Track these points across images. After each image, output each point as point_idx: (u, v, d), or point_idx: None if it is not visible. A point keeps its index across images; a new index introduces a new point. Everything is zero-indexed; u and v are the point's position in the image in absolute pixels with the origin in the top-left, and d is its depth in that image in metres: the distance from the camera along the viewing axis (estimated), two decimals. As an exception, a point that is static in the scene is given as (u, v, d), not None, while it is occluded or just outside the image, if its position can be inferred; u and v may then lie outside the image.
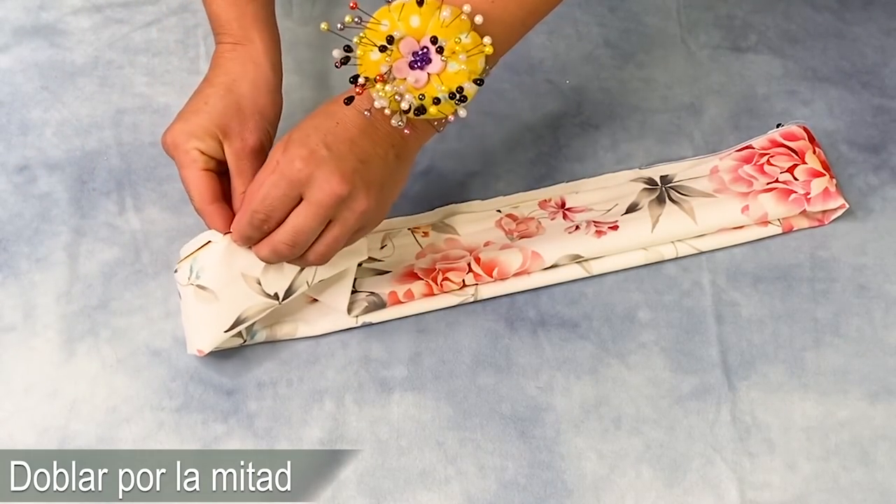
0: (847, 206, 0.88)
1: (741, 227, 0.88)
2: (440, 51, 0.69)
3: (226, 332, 0.79)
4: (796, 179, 0.88)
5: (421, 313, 0.85)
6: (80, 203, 0.90)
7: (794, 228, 0.89)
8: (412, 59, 0.70)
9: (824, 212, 0.88)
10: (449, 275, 0.84)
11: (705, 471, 0.79)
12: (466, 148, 0.94)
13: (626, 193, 0.90)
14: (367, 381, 0.82)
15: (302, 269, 0.79)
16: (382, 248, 0.87)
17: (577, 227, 0.87)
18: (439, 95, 0.70)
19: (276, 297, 0.79)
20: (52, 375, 0.82)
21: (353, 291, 0.83)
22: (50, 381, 0.82)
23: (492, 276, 0.85)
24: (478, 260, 0.85)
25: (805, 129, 0.92)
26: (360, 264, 0.83)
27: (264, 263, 0.78)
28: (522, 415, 0.81)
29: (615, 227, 0.86)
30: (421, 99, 0.70)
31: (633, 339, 0.84)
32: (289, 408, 0.81)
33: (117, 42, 1.00)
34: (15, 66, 0.98)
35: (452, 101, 0.70)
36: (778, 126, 0.93)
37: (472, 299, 0.85)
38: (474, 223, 0.89)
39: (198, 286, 0.78)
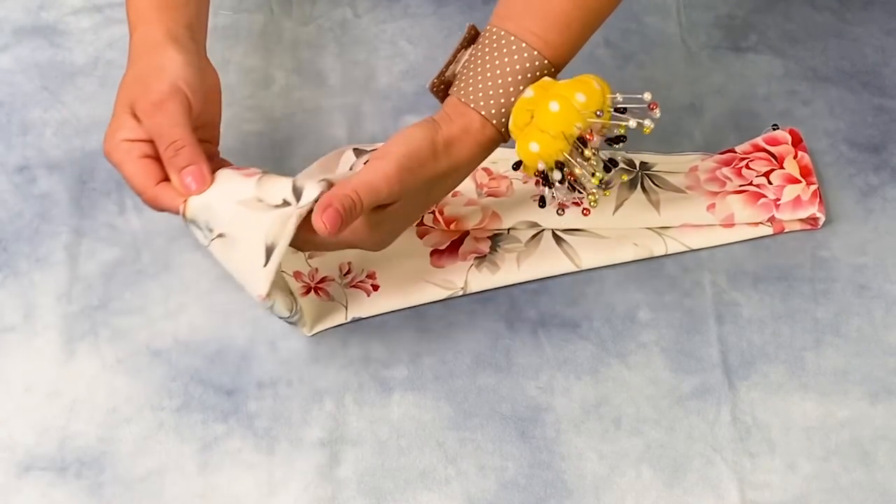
0: (821, 217, 0.88)
1: (732, 224, 0.88)
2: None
3: (265, 266, 0.72)
4: (770, 184, 0.89)
5: (415, 307, 0.84)
6: (80, 203, 0.90)
7: (787, 230, 0.89)
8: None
9: (814, 217, 0.88)
10: None
11: (705, 471, 0.79)
12: (466, 148, 0.94)
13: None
14: (367, 381, 0.82)
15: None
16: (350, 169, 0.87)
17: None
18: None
19: (286, 203, 0.72)
20: (52, 375, 0.82)
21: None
22: (50, 381, 0.82)
23: (448, 228, 0.87)
24: (441, 212, 0.87)
25: (793, 133, 0.92)
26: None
27: (255, 183, 0.73)
28: (522, 415, 0.81)
29: (578, 204, 0.85)
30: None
31: (634, 339, 0.84)
32: (289, 408, 0.81)
33: (117, 42, 1.00)
34: (15, 66, 0.98)
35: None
36: (774, 127, 0.93)
37: (461, 293, 0.85)
38: None
39: (218, 237, 0.73)
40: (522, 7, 0.75)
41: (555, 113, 0.72)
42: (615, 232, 0.87)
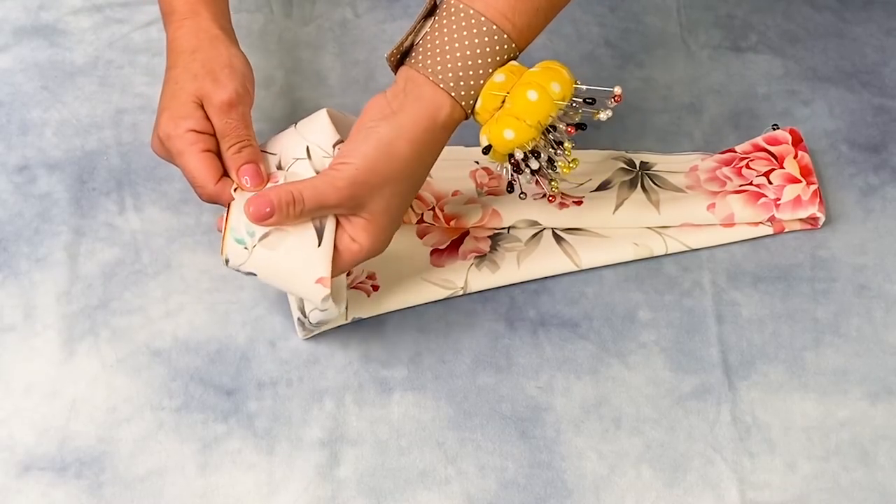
0: (821, 217, 0.88)
1: (732, 224, 0.88)
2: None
3: (319, 247, 0.73)
4: (770, 184, 0.89)
5: (415, 307, 0.84)
6: (80, 203, 0.90)
7: (787, 230, 0.89)
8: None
9: (815, 217, 0.88)
10: (413, 202, 0.85)
11: (705, 471, 0.79)
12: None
13: (603, 170, 0.90)
14: (367, 381, 0.82)
15: (309, 159, 0.76)
16: None
17: (544, 195, 0.87)
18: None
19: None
20: (52, 375, 0.82)
21: None
22: (50, 381, 0.82)
23: (448, 224, 0.87)
24: (441, 209, 0.87)
25: (793, 133, 0.92)
26: None
27: (279, 182, 0.75)
28: (522, 415, 0.81)
29: (579, 203, 0.87)
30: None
31: (634, 339, 0.84)
32: (289, 408, 0.81)
33: (117, 42, 1.00)
34: (15, 66, 0.98)
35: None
36: (774, 127, 0.93)
37: (461, 292, 0.85)
38: (450, 170, 0.89)
39: (261, 240, 0.73)
40: None
41: (533, 102, 0.72)
42: (615, 231, 0.87)
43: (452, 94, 0.73)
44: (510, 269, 0.86)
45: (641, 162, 0.91)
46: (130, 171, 0.92)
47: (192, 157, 0.75)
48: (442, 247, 0.87)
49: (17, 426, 0.80)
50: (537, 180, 0.76)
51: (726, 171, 0.90)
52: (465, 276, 0.85)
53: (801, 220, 0.88)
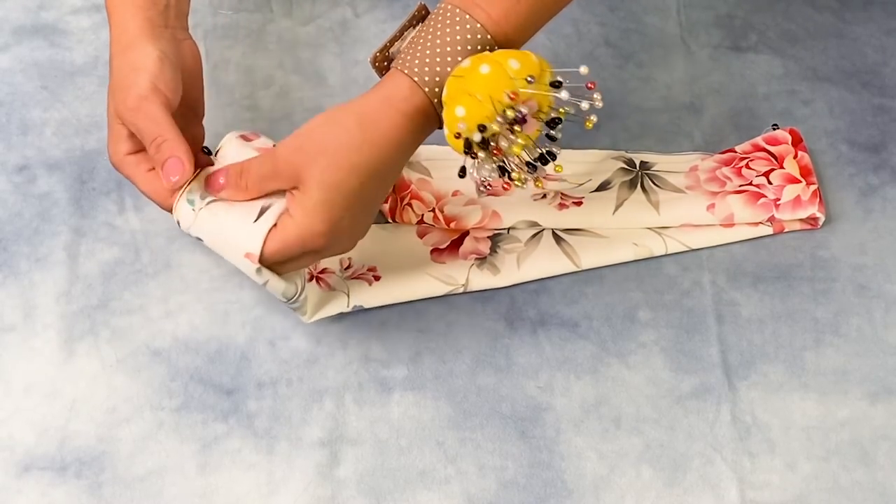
0: (821, 217, 0.88)
1: (732, 224, 0.88)
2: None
3: (255, 222, 0.72)
4: (770, 184, 0.89)
5: (415, 305, 0.84)
6: (80, 203, 0.90)
7: (787, 230, 0.89)
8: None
9: (813, 217, 0.88)
10: (413, 202, 0.86)
11: (705, 470, 0.79)
12: (466, 148, 0.94)
13: (603, 170, 0.90)
14: (367, 381, 0.82)
15: None
16: None
17: (545, 196, 0.88)
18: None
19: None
20: (52, 375, 0.82)
21: None
22: (50, 381, 0.82)
23: (448, 226, 0.87)
24: (441, 210, 0.87)
25: (793, 133, 0.92)
26: None
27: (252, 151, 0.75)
28: (522, 414, 0.81)
29: (579, 203, 0.87)
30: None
31: (633, 339, 0.84)
32: (289, 408, 0.81)
33: (117, 42, 1.00)
34: (15, 66, 0.98)
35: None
36: (774, 127, 0.93)
37: (461, 289, 0.85)
38: (450, 169, 0.87)
39: (207, 205, 0.74)
40: None
41: (484, 75, 0.68)
42: (615, 231, 0.87)
43: (415, 78, 0.71)
44: (510, 271, 0.86)
45: (641, 162, 0.91)
46: (130, 170, 0.92)
47: (140, 180, 0.75)
48: (442, 246, 0.87)
49: (17, 426, 0.80)
50: (501, 169, 0.72)
51: (726, 171, 0.90)
52: (466, 274, 0.85)
53: (800, 220, 0.88)
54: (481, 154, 0.70)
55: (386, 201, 0.87)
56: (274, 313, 0.85)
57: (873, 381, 0.82)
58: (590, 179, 0.90)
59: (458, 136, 0.70)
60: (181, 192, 0.74)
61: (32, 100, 0.96)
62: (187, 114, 0.78)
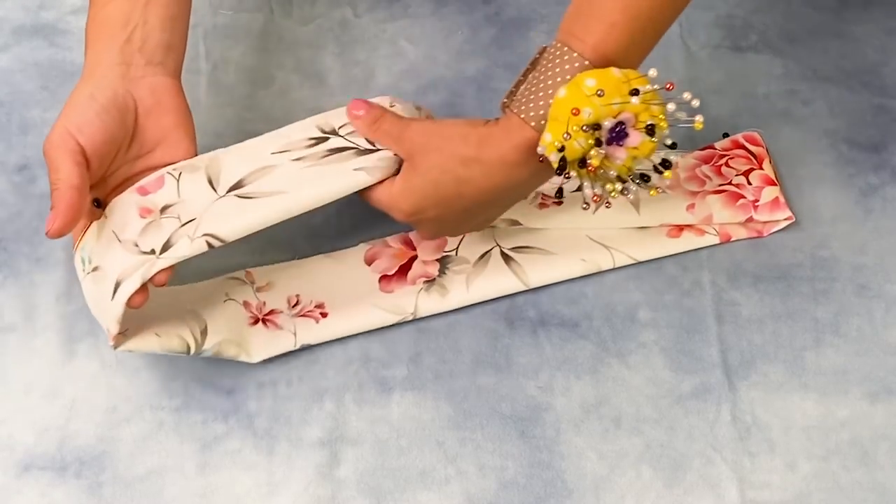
0: (794, 218, 0.88)
1: (680, 231, 0.87)
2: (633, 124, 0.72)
3: (112, 300, 0.74)
4: (750, 184, 0.89)
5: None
6: (80, 203, 0.90)
7: (733, 238, 0.88)
8: (609, 136, 0.72)
9: (765, 222, 0.88)
10: None
11: (705, 470, 0.79)
12: (466, 148, 0.94)
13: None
14: (367, 381, 0.82)
15: (184, 224, 0.76)
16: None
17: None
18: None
19: (152, 252, 0.75)
20: (52, 375, 0.82)
21: (374, 150, 0.79)
22: (50, 381, 0.82)
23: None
24: None
25: (754, 139, 0.92)
26: None
27: (140, 225, 0.76)
28: (522, 415, 0.81)
29: (559, 203, 0.87)
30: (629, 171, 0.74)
31: (633, 339, 0.84)
32: (289, 408, 0.81)
33: (117, 42, 1.00)
34: (14, 66, 0.98)
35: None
36: (724, 136, 0.92)
37: (411, 317, 0.84)
38: None
39: (93, 270, 0.76)
40: (573, 15, 0.74)
41: (560, 98, 0.71)
42: (563, 246, 0.86)
43: (522, 115, 0.73)
44: (459, 292, 0.85)
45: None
46: (130, 170, 0.92)
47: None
48: (390, 272, 0.86)
49: (17, 426, 0.80)
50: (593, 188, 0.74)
51: (706, 169, 0.90)
52: (414, 301, 0.84)
53: (747, 228, 0.88)
54: (573, 173, 0.72)
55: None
56: (274, 313, 0.85)
57: (873, 381, 0.82)
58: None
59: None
60: (76, 243, 0.78)
61: (32, 100, 0.96)
62: (153, 153, 0.79)
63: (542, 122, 0.72)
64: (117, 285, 0.74)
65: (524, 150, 0.73)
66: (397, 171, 0.78)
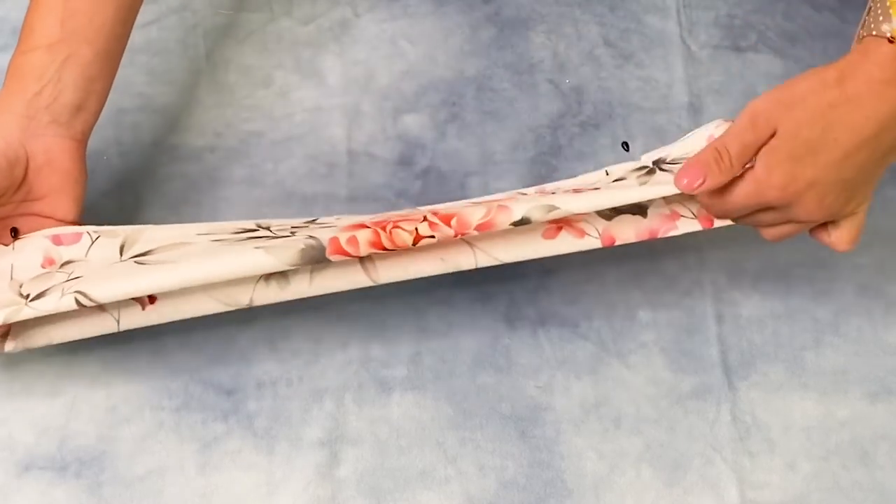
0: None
1: (557, 232, 0.77)
2: None
3: None
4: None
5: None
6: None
7: (616, 243, 0.78)
8: None
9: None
10: (402, 223, 0.74)
11: (705, 470, 0.79)
12: (466, 148, 0.94)
13: (614, 174, 0.82)
14: (367, 381, 0.82)
15: (68, 280, 0.75)
16: (337, 218, 0.81)
17: (553, 193, 0.78)
18: None
19: (27, 297, 0.74)
20: (52, 375, 0.82)
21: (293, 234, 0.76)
22: (49, 380, 0.82)
23: (450, 226, 0.75)
24: (435, 212, 0.76)
25: None
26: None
27: (37, 272, 0.76)
28: (522, 414, 0.81)
29: (597, 189, 0.78)
30: None
31: (633, 339, 0.84)
32: (289, 407, 0.81)
33: (117, 42, 1.00)
34: (15, 66, 0.98)
35: None
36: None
37: (246, 307, 0.78)
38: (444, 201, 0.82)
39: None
40: None
41: None
42: (424, 246, 0.76)
43: (874, 32, 0.66)
44: (301, 285, 0.78)
45: (655, 160, 0.84)
46: (130, 170, 0.92)
47: None
48: None
49: (17, 425, 0.80)
50: None
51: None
52: (251, 294, 0.78)
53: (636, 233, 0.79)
54: None
55: (336, 243, 0.74)
56: (274, 313, 0.85)
57: (873, 381, 0.82)
58: (599, 181, 0.82)
59: None
60: None
61: (32, 100, 0.96)
62: (35, 204, 0.79)
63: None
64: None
65: (889, 64, 0.66)
66: (306, 256, 0.72)
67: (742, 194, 0.70)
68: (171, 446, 0.79)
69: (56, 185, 0.79)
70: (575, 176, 0.92)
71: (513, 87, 0.98)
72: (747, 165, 0.70)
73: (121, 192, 0.91)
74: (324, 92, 0.97)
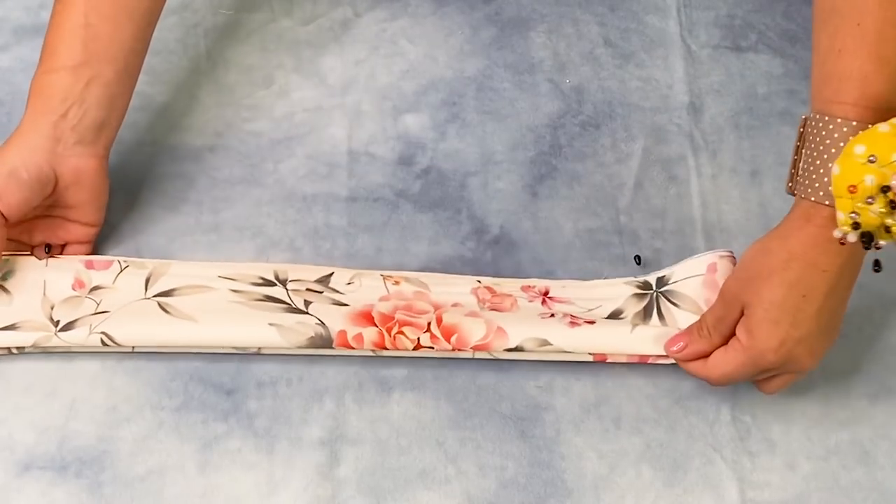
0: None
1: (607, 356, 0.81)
2: None
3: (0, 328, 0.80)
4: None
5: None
6: (80, 202, 0.90)
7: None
8: None
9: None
10: (405, 329, 0.81)
11: (705, 470, 0.79)
12: (466, 148, 0.94)
13: (614, 296, 0.84)
14: (367, 381, 0.82)
15: (96, 312, 0.81)
16: (349, 284, 0.85)
17: (553, 315, 0.82)
18: None
19: (56, 323, 0.80)
20: (52, 375, 0.82)
21: (302, 312, 0.81)
22: (49, 380, 0.82)
23: (449, 342, 0.80)
24: (439, 321, 0.81)
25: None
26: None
27: (67, 293, 0.82)
28: (522, 414, 0.81)
29: (591, 323, 0.81)
30: None
31: (633, 339, 0.84)
32: (289, 407, 0.81)
33: (117, 41, 1.00)
34: (15, 66, 0.98)
35: None
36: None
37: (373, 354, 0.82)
38: (450, 286, 0.85)
39: (0, 286, 0.82)
40: (820, 80, 0.72)
41: (836, 175, 0.67)
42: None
43: (812, 198, 0.71)
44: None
45: (657, 279, 0.85)
46: (130, 170, 0.92)
47: None
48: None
49: (17, 425, 0.80)
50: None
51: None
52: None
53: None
54: (882, 242, 0.69)
55: (343, 337, 0.80)
56: (274, 313, 0.85)
57: (873, 380, 0.82)
58: (600, 306, 0.83)
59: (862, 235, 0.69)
60: None
61: (32, 99, 0.96)
62: (66, 210, 0.84)
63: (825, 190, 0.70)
64: (13, 326, 0.80)
65: (829, 229, 0.70)
66: (314, 343, 0.80)
67: (734, 364, 0.75)
68: (171, 446, 0.79)
69: (84, 199, 0.83)
70: (574, 176, 0.92)
71: (513, 87, 0.98)
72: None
73: (121, 192, 0.91)
74: (324, 92, 0.97)
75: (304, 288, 0.84)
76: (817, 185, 0.71)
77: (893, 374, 0.83)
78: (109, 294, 0.83)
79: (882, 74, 0.70)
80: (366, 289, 0.84)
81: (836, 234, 0.68)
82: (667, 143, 0.95)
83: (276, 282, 0.84)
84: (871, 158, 0.65)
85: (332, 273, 0.85)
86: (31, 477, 0.78)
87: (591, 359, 0.81)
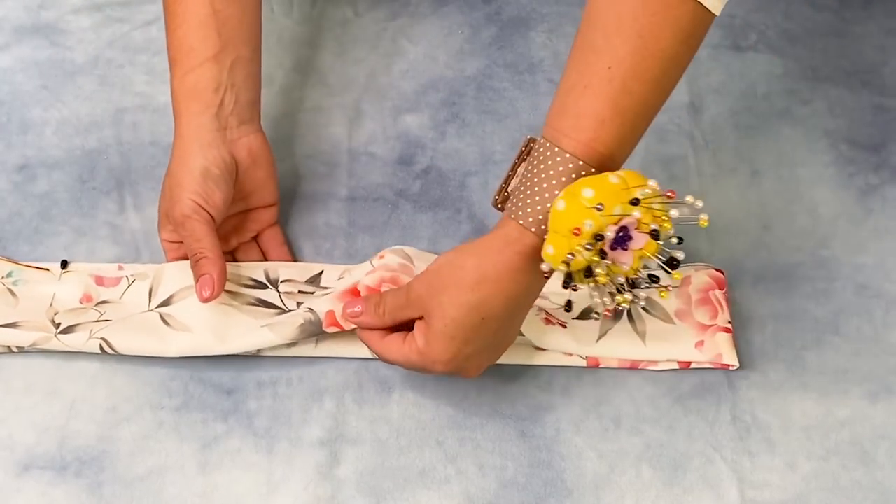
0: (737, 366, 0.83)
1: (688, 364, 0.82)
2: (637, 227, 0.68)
3: (1, 325, 0.81)
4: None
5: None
6: (80, 202, 0.90)
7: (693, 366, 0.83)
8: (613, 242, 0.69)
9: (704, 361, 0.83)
10: None
11: (705, 470, 0.79)
12: (466, 148, 0.94)
13: (587, 294, 0.81)
14: (367, 381, 0.82)
15: (98, 320, 0.82)
16: (340, 279, 0.85)
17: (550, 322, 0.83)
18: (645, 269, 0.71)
19: (57, 326, 0.81)
20: (52, 375, 0.82)
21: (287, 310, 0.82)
22: (49, 380, 0.82)
23: None
24: None
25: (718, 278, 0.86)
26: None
27: (74, 305, 0.83)
28: (522, 414, 0.81)
29: (563, 325, 0.82)
30: (636, 272, 0.70)
31: (633, 339, 0.84)
32: (289, 407, 0.81)
33: (117, 41, 1.00)
34: (15, 65, 0.98)
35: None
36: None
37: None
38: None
39: (8, 289, 0.83)
40: (559, 111, 0.72)
41: (559, 212, 0.68)
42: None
43: (520, 221, 0.70)
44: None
45: None
46: (131, 170, 0.92)
47: (170, 258, 0.85)
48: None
49: (17, 425, 0.80)
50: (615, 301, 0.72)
51: (718, 294, 0.84)
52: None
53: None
54: (581, 286, 0.70)
55: (332, 317, 0.80)
56: (274, 313, 0.85)
57: (873, 380, 0.82)
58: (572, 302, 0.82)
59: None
60: (6, 261, 0.85)
61: (33, 99, 0.96)
62: (247, 201, 0.86)
63: (542, 226, 0.70)
64: (14, 324, 0.81)
65: (528, 256, 0.71)
66: (305, 331, 0.80)
67: (405, 357, 0.76)
68: (171, 446, 0.79)
69: (262, 177, 0.86)
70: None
71: (513, 87, 0.98)
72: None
73: (121, 191, 0.91)
74: (324, 91, 0.97)
75: (296, 290, 0.84)
76: (529, 210, 0.70)
77: (893, 374, 0.83)
78: (114, 306, 0.84)
79: (614, 124, 0.70)
80: (353, 274, 0.84)
81: (544, 267, 0.69)
82: (667, 142, 0.95)
83: (267, 284, 0.84)
84: (598, 206, 0.67)
85: (322, 272, 0.86)
86: (31, 477, 0.78)
87: (584, 363, 0.82)
